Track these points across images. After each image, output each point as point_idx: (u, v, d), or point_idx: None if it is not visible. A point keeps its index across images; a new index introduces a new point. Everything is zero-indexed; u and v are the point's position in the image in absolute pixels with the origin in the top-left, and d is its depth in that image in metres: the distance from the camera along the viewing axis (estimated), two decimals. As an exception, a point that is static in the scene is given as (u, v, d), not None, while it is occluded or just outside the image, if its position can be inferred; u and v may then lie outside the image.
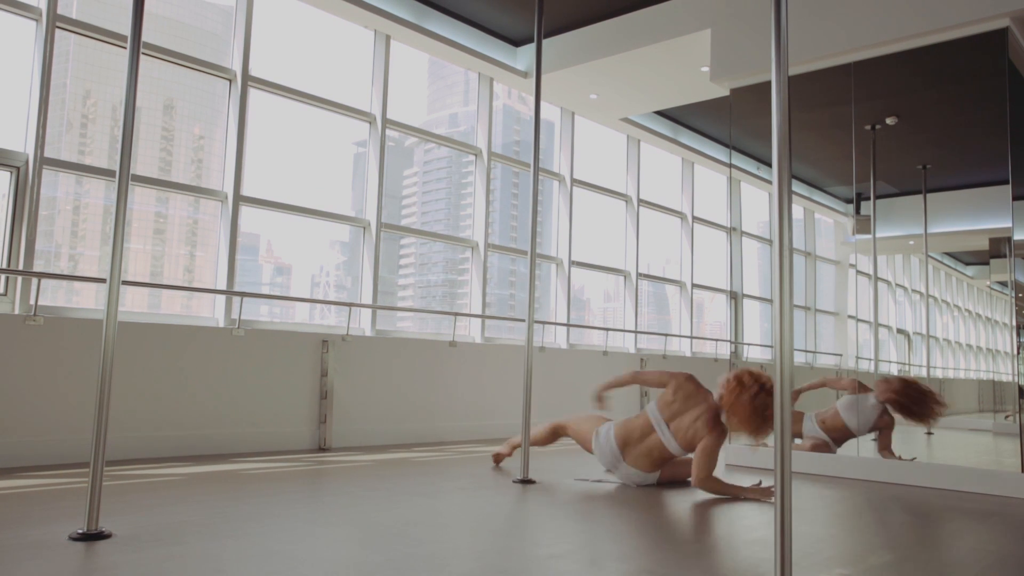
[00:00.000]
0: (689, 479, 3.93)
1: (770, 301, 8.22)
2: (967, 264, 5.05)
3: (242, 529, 2.63)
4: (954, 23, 4.26)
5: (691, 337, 8.82)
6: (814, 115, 5.15)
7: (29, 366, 3.98)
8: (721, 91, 5.66)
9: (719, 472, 4.16)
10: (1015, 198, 4.11)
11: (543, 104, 6.37)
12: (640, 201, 8.35)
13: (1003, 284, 4.46)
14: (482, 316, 6.51)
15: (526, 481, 3.89)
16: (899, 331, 5.02)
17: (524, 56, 6.76)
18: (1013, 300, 4.39)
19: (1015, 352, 4.36)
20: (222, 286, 5.00)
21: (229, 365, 4.72)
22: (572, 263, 7.56)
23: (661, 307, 9.01)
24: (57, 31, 4.39)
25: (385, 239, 6.18)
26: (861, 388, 4.75)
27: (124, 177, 2.60)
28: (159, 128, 5.06)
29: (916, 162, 4.86)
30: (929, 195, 4.80)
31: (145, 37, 4.65)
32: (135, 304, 4.83)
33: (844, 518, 3.27)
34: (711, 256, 9.48)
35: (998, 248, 4.39)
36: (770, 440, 3.82)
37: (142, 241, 4.91)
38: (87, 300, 4.57)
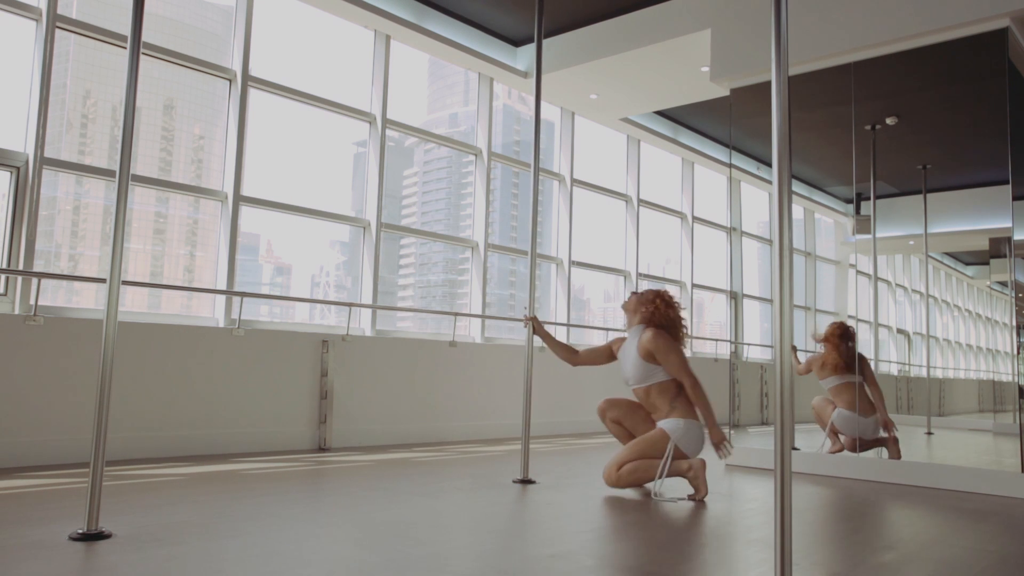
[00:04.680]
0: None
1: (770, 301, 8.21)
2: (967, 264, 5.05)
3: (242, 529, 2.63)
4: (954, 23, 4.26)
5: (691, 337, 8.82)
6: (814, 115, 5.15)
7: (29, 366, 3.98)
8: (721, 91, 5.66)
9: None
10: (1015, 198, 4.11)
11: (543, 104, 6.37)
12: (640, 201, 8.35)
13: (1003, 284, 4.46)
14: (482, 316, 6.51)
15: (526, 481, 3.89)
16: (899, 331, 5.02)
17: (524, 56, 6.76)
18: (1013, 300, 4.39)
19: (1015, 352, 4.36)
20: (222, 286, 5.00)
21: (229, 365, 4.72)
22: (572, 263, 7.56)
23: (661, 307, 8.99)
24: (57, 31, 4.39)
25: (385, 239, 6.17)
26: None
27: (124, 177, 2.60)
28: (159, 128, 5.06)
29: (916, 162, 4.86)
30: (929, 195, 4.80)
31: (145, 37, 4.64)
32: (135, 304, 4.83)
33: (844, 518, 3.27)
34: (711, 256, 9.48)
35: (998, 248, 4.39)
36: (769, 443, 3.80)
37: (142, 241, 4.91)
38: (87, 300, 4.57)
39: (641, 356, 3.71)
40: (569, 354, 4.06)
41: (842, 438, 4.75)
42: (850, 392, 4.71)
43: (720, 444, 3.62)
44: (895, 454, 4.55)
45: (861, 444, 4.67)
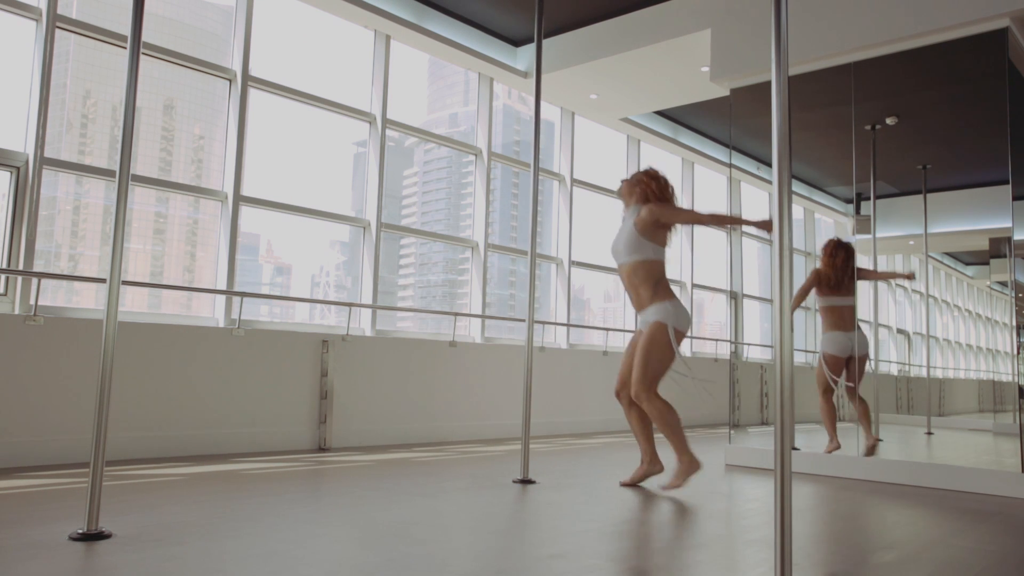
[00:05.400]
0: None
1: (770, 301, 8.20)
2: (967, 264, 5.05)
3: (242, 529, 2.63)
4: (954, 23, 4.26)
5: (691, 337, 8.82)
6: (814, 115, 5.15)
7: (29, 366, 3.98)
8: (721, 91, 5.66)
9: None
10: (1015, 198, 4.11)
11: (543, 104, 6.37)
12: (640, 201, 8.34)
13: (1003, 284, 4.46)
14: (482, 316, 6.51)
15: (526, 481, 3.89)
16: (899, 331, 5.02)
17: (524, 56, 6.76)
18: (1013, 300, 4.39)
19: (1015, 352, 4.36)
20: (222, 286, 5.00)
21: (229, 365, 4.72)
22: (572, 263, 7.56)
23: (661, 307, 8.99)
24: (57, 31, 4.39)
25: (385, 239, 6.17)
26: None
27: (124, 177, 2.60)
28: (159, 128, 5.06)
29: (916, 162, 4.86)
30: (929, 195, 4.80)
31: (145, 37, 4.64)
32: (135, 304, 4.83)
33: (844, 518, 3.28)
34: (711, 256, 9.48)
35: (998, 248, 4.39)
36: (769, 443, 3.79)
37: (142, 241, 4.91)
38: (87, 300, 4.57)
39: (638, 230, 3.78)
40: None
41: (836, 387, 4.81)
42: (841, 314, 4.79)
43: (763, 223, 3.66)
44: (871, 443, 4.61)
45: (849, 364, 4.77)
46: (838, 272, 4.82)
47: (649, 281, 3.76)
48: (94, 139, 4.75)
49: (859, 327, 4.79)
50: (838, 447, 4.71)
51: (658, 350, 3.70)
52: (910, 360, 4.98)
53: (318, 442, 5.07)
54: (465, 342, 6.17)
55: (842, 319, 4.79)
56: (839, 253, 4.86)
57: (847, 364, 4.79)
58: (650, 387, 3.72)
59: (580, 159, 7.75)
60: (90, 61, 4.73)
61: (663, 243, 3.81)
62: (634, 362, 3.77)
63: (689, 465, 3.70)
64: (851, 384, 4.76)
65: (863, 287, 4.89)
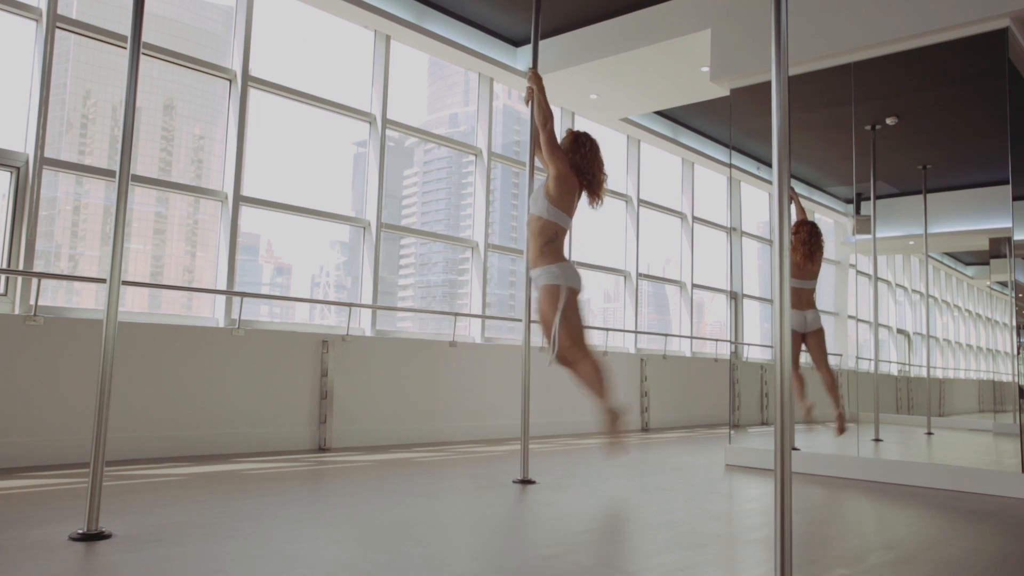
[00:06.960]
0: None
1: (770, 301, 8.20)
2: (967, 264, 5.05)
3: (242, 529, 2.63)
4: (954, 23, 4.26)
5: (691, 337, 8.82)
6: (814, 115, 5.15)
7: (29, 366, 3.98)
8: (721, 91, 5.66)
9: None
10: (1015, 198, 4.11)
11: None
12: (640, 201, 8.35)
13: (1003, 284, 4.46)
14: (482, 316, 6.51)
15: (526, 481, 3.89)
16: (899, 331, 5.02)
17: (524, 56, 6.76)
18: (1013, 300, 4.39)
19: (1015, 352, 4.36)
20: (222, 286, 5.00)
21: (229, 365, 4.72)
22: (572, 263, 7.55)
23: (661, 307, 9.01)
24: (57, 31, 4.39)
25: (385, 239, 6.17)
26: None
27: (124, 177, 2.60)
28: (159, 128, 5.06)
29: (916, 162, 4.86)
30: (929, 195, 4.80)
31: (145, 37, 4.63)
32: (135, 304, 4.83)
33: (844, 518, 3.28)
34: (711, 256, 9.48)
35: (998, 248, 4.39)
36: (769, 443, 3.79)
37: (142, 241, 4.91)
38: (87, 300, 4.57)
39: (544, 185, 3.83)
40: (546, 117, 4.02)
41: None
42: (799, 295, 4.91)
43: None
44: (840, 414, 4.76)
45: (807, 338, 4.92)
46: (801, 252, 4.87)
47: (539, 239, 3.76)
48: (94, 139, 4.75)
49: (815, 307, 4.90)
50: (813, 404, 4.85)
51: (562, 311, 3.70)
52: (910, 360, 4.98)
53: (318, 442, 5.07)
54: (465, 342, 6.17)
55: (799, 300, 4.89)
56: (801, 230, 4.91)
57: (804, 339, 4.89)
58: (579, 347, 3.73)
59: (580, 159, 7.74)
60: (90, 61, 4.73)
61: (559, 205, 3.77)
62: (553, 333, 3.75)
63: (613, 415, 3.66)
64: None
65: (864, 286, 4.89)
